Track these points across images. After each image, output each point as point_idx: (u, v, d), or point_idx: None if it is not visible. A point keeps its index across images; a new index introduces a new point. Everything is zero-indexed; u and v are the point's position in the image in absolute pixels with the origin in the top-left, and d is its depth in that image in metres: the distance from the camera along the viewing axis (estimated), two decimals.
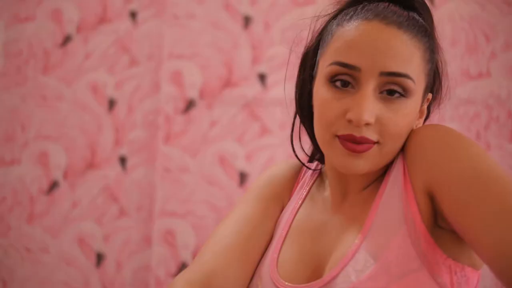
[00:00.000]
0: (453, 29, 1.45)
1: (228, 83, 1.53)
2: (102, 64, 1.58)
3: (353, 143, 0.61)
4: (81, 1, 1.58)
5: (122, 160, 1.54)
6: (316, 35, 0.70)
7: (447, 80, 0.71)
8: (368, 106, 0.60)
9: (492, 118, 1.41)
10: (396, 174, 0.65)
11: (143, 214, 1.51)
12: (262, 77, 1.52)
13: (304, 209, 0.73)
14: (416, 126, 0.67)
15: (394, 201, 0.63)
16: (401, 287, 0.59)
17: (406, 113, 0.62)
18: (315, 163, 0.76)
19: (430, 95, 0.69)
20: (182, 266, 1.43)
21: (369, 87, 0.61)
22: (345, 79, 0.62)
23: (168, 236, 1.47)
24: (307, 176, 0.76)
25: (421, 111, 0.68)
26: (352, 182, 0.69)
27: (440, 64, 0.70)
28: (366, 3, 0.66)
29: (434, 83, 0.70)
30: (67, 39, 1.58)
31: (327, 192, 0.73)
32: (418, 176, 0.62)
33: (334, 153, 0.64)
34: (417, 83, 0.62)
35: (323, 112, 0.64)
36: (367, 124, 0.60)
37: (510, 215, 0.54)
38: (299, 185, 0.76)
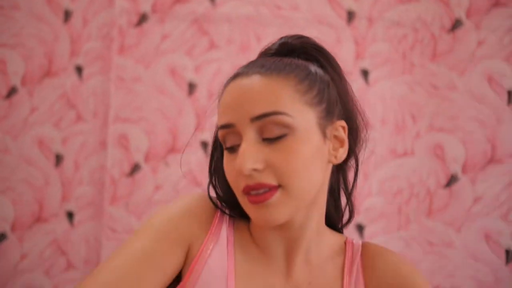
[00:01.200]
0: None
1: None
2: None
3: (255, 194, 0.59)
4: None
5: (78, 70, 1.61)
6: None
7: (359, 107, 0.70)
8: (249, 154, 0.58)
9: (417, 40, 1.55)
10: (357, 278, 0.66)
11: (99, 119, 1.61)
12: None
13: (241, 267, 0.65)
14: (339, 155, 0.65)
15: None
16: None
17: (296, 148, 0.59)
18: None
19: (343, 123, 0.66)
20: (135, 167, 1.56)
21: (247, 136, 0.59)
22: (231, 144, 0.61)
23: (122, 139, 1.59)
24: (225, 223, 0.68)
25: (339, 140, 0.65)
26: (292, 244, 0.66)
27: (344, 90, 0.68)
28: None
29: (347, 111, 0.67)
30: None
31: (255, 254, 0.67)
32: None
33: (247, 211, 0.62)
34: (297, 115, 0.60)
35: (228, 175, 0.63)
36: (256, 170, 0.58)
37: None
38: (213, 229, 0.67)
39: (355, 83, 1.55)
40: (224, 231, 0.67)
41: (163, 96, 1.59)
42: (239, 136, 0.61)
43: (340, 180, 0.73)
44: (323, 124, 0.63)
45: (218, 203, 0.69)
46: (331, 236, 0.71)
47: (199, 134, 1.58)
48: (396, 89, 1.55)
